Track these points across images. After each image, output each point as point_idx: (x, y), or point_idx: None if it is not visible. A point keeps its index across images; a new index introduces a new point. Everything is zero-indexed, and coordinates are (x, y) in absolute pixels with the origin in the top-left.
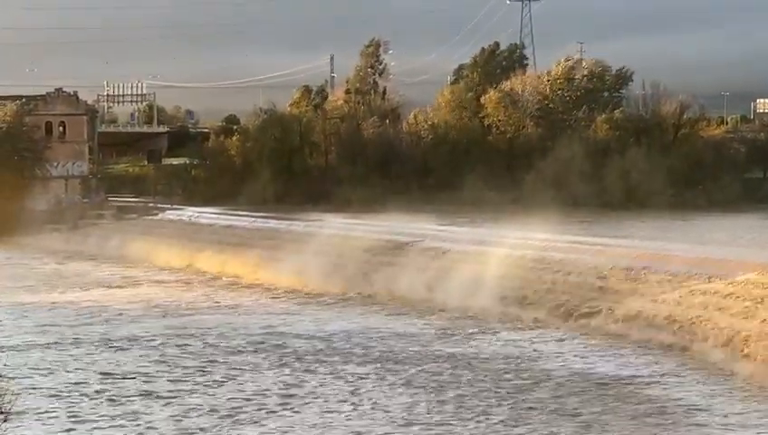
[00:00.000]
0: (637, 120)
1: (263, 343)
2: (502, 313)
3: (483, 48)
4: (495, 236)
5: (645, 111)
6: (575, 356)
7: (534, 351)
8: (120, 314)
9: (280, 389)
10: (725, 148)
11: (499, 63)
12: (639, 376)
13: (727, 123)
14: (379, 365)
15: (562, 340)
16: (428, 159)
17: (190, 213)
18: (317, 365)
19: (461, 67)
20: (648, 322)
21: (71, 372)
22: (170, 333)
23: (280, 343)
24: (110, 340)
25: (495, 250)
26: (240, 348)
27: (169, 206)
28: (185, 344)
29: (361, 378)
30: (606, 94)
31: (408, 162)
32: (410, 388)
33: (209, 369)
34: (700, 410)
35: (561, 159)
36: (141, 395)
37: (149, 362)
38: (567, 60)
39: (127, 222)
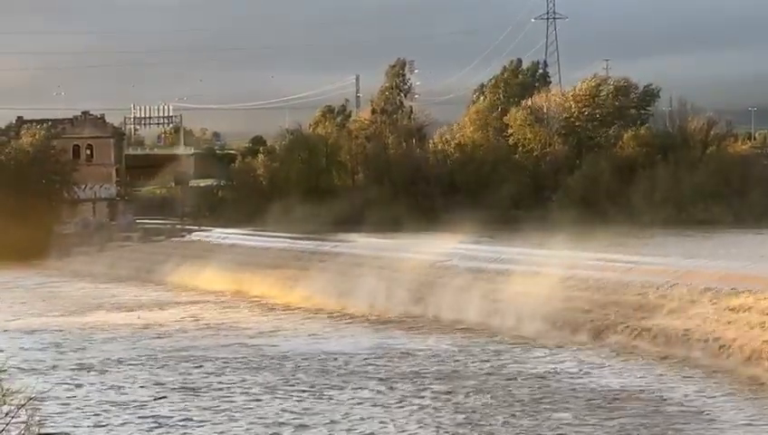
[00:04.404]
0: (664, 136)
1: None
2: (531, 331)
3: (504, 66)
4: (524, 254)
5: (672, 128)
6: (610, 373)
7: (563, 369)
8: (148, 337)
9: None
10: (753, 164)
11: (522, 82)
12: (665, 390)
13: (755, 139)
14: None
15: (592, 357)
16: (455, 179)
17: (218, 234)
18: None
19: (482, 86)
20: (677, 338)
21: (99, 393)
22: (184, 356)
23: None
24: (132, 362)
25: (525, 269)
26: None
27: (197, 227)
28: (207, 366)
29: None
30: (633, 111)
31: (435, 181)
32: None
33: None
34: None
35: (587, 177)
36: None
37: (169, 384)
38: (592, 77)
39: (155, 244)
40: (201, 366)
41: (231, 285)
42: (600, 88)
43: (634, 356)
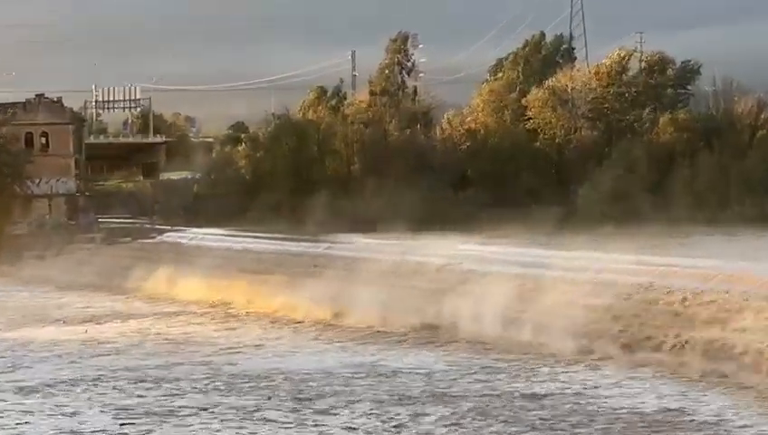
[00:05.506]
0: (706, 120)
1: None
2: (551, 346)
3: (526, 40)
4: (544, 257)
5: (716, 111)
6: (633, 392)
7: (589, 389)
8: (100, 353)
9: None
10: None
11: (544, 57)
12: (702, 413)
13: None
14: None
15: (613, 374)
16: (466, 169)
17: (193, 235)
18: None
19: (500, 62)
20: (721, 352)
21: (54, 420)
22: (140, 375)
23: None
24: (84, 383)
25: (544, 273)
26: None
27: (169, 227)
28: (167, 388)
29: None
30: (670, 91)
31: (443, 173)
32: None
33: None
34: None
35: (619, 167)
36: None
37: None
38: (619, 49)
39: (120, 247)
40: (160, 387)
41: (204, 294)
42: (628, 62)
43: (666, 373)
